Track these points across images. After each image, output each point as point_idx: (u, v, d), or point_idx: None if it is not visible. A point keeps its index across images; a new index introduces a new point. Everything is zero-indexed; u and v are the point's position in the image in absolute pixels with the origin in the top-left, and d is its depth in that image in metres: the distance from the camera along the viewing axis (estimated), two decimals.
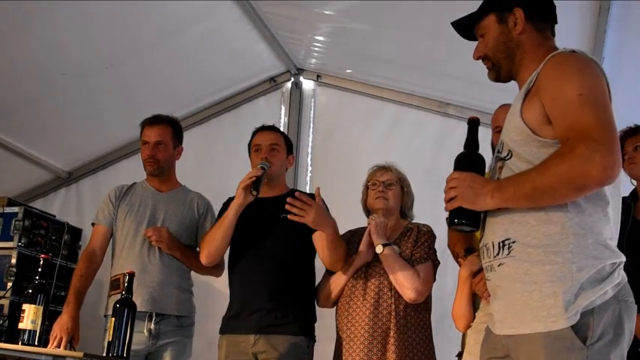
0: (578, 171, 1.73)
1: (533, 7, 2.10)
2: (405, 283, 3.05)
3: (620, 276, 1.84)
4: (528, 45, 2.07)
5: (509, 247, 1.90)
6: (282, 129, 4.96)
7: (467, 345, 3.01)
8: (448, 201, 1.99)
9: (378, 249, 3.13)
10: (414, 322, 3.09)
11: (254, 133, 3.50)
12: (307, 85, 5.25)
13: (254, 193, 3.14)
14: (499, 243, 1.93)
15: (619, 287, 1.82)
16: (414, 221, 3.35)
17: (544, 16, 2.12)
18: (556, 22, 2.14)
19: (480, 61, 2.20)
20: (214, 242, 3.28)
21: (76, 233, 4.91)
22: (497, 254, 1.93)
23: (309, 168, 5.13)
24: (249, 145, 3.48)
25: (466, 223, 1.99)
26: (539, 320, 1.79)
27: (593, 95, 1.81)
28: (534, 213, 1.86)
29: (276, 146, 3.40)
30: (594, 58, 1.97)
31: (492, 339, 1.99)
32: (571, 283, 1.77)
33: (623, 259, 1.88)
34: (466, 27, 2.23)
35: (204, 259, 3.34)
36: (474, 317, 2.92)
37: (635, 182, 3.34)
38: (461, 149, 4.83)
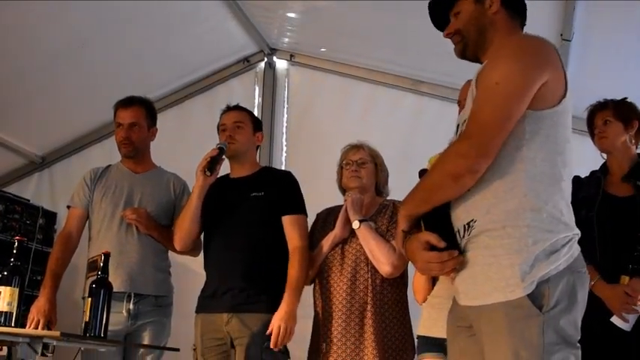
0: (451, 165, 1.97)
1: None
2: (381, 258, 3.09)
3: (573, 248, 1.94)
4: (500, 25, 2.14)
5: (470, 227, 1.99)
6: (256, 109, 5.01)
7: (421, 318, 3.09)
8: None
9: (355, 225, 3.16)
10: (390, 297, 3.13)
11: (221, 115, 3.51)
12: (281, 64, 5.24)
13: (207, 173, 3.19)
14: (464, 226, 2.01)
15: (572, 259, 1.91)
16: (389, 198, 3.39)
17: (517, 8, 2.20)
18: (525, 24, 2.22)
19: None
20: (184, 226, 3.33)
21: (50, 217, 4.89)
22: (464, 236, 2.02)
23: (284, 148, 5.14)
24: (218, 127, 3.50)
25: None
26: (499, 290, 1.89)
27: (507, 86, 1.93)
28: (493, 191, 1.96)
29: (240, 124, 3.42)
30: (551, 42, 2.06)
31: (458, 309, 2.08)
32: (527, 255, 1.87)
33: (577, 232, 1.98)
34: (441, 12, 2.27)
35: (177, 244, 3.39)
36: (432, 290, 2.99)
37: (605, 156, 3.38)
38: (434, 127, 4.88)
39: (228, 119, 3.43)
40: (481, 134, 1.92)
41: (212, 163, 3.20)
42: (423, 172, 2.31)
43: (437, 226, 2.04)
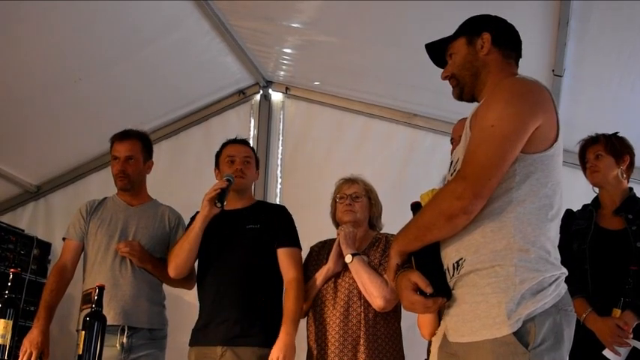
0: (444, 202, 1.98)
1: (501, 34, 2.23)
2: (373, 292, 3.09)
3: (560, 287, 1.96)
4: (493, 66, 2.19)
5: (460, 266, 2.02)
6: (251, 141, 5.03)
7: (431, 352, 3.05)
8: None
9: (347, 259, 3.17)
10: (383, 331, 3.13)
11: (225, 144, 3.55)
12: (276, 97, 5.27)
13: (218, 205, 3.20)
14: (453, 264, 2.04)
15: (559, 297, 1.94)
16: (382, 231, 3.40)
17: (510, 45, 2.24)
18: (520, 56, 2.27)
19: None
20: (181, 255, 3.33)
21: (45, 247, 4.87)
22: (453, 275, 2.04)
23: (279, 180, 5.15)
24: (218, 155, 3.53)
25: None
26: (486, 328, 1.91)
27: (502, 129, 1.96)
28: (481, 231, 1.98)
29: (249, 159, 3.50)
30: (543, 82, 2.10)
31: (448, 345, 2.10)
32: (513, 293, 1.90)
33: (564, 271, 2.01)
34: (438, 51, 2.34)
35: (171, 271, 3.38)
36: (439, 324, 2.97)
37: (597, 189, 3.41)
38: (428, 160, 4.90)
39: (238, 152, 3.49)
40: (476, 175, 1.94)
41: (222, 195, 3.22)
42: (415, 206, 2.32)
43: (427, 262, 2.07)
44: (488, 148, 1.96)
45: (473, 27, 2.25)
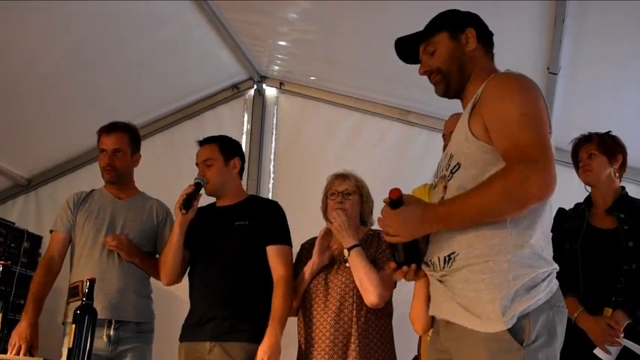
0: (519, 190, 1.83)
1: (483, 30, 2.22)
2: (369, 288, 3.05)
3: (552, 283, 1.95)
4: (478, 61, 2.18)
5: (451, 259, 1.99)
6: (244, 136, 5.03)
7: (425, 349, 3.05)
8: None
9: (346, 252, 3.13)
10: (375, 327, 3.11)
11: None
12: (270, 92, 5.28)
13: (183, 211, 3.17)
14: (445, 257, 2.01)
15: (551, 293, 1.93)
16: (374, 227, 3.38)
17: (489, 42, 2.24)
18: (493, 55, 2.26)
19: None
20: (168, 262, 3.33)
21: (35, 240, 4.85)
22: (443, 268, 2.02)
23: (272, 175, 5.15)
24: None
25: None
26: (480, 325, 1.89)
27: (534, 115, 1.92)
28: (475, 225, 1.94)
29: (209, 161, 3.38)
30: (537, 76, 2.07)
31: (438, 340, 2.09)
32: (507, 290, 1.88)
33: (555, 266, 1.99)
34: (409, 46, 2.31)
35: (164, 279, 3.39)
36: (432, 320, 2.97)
37: (589, 188, 3.41)
38: (421, 156, 4.88)
39: (199, 157, 3.42)
40: (546, 157, 1.85)
41: (188, 201, 3.19)
42: (394, 202, 2.08)
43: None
44: (534, 131, 1.88)
45: (455, 22, 2.23)
